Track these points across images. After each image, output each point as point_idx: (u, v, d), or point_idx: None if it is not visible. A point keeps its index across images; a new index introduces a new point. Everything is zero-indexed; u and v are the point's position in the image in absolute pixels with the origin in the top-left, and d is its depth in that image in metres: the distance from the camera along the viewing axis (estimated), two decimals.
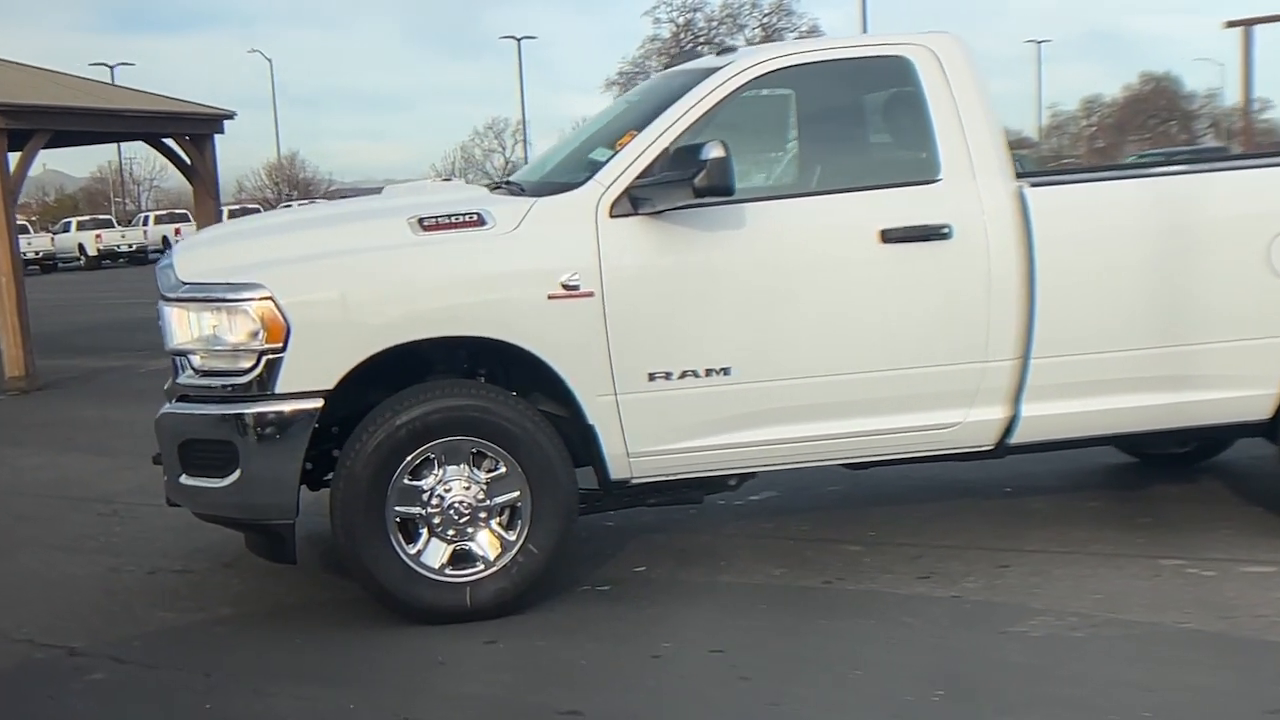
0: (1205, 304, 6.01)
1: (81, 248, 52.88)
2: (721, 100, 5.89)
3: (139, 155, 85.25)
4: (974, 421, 6.00)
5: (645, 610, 5.79)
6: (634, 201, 5.69)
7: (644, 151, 5.78)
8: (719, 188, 5.43)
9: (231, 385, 5.55)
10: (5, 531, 7.88)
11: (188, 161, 16.58)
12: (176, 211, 57.99)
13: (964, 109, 5.95)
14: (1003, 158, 5.97)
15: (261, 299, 5.46)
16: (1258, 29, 34.51)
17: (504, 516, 5.71)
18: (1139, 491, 7.42)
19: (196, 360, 5.65)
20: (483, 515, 5.66)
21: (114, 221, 58.45)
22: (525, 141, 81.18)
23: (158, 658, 5.55)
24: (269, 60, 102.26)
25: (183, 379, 5.71)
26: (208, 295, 5.60)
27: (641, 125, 5.98)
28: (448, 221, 5.72)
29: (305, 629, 5.76)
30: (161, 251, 53.02)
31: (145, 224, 56.29)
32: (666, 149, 5.77)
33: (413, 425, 5.55)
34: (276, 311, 5.45)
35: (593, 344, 5.65)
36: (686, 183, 5.45)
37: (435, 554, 5.66)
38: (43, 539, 7.62)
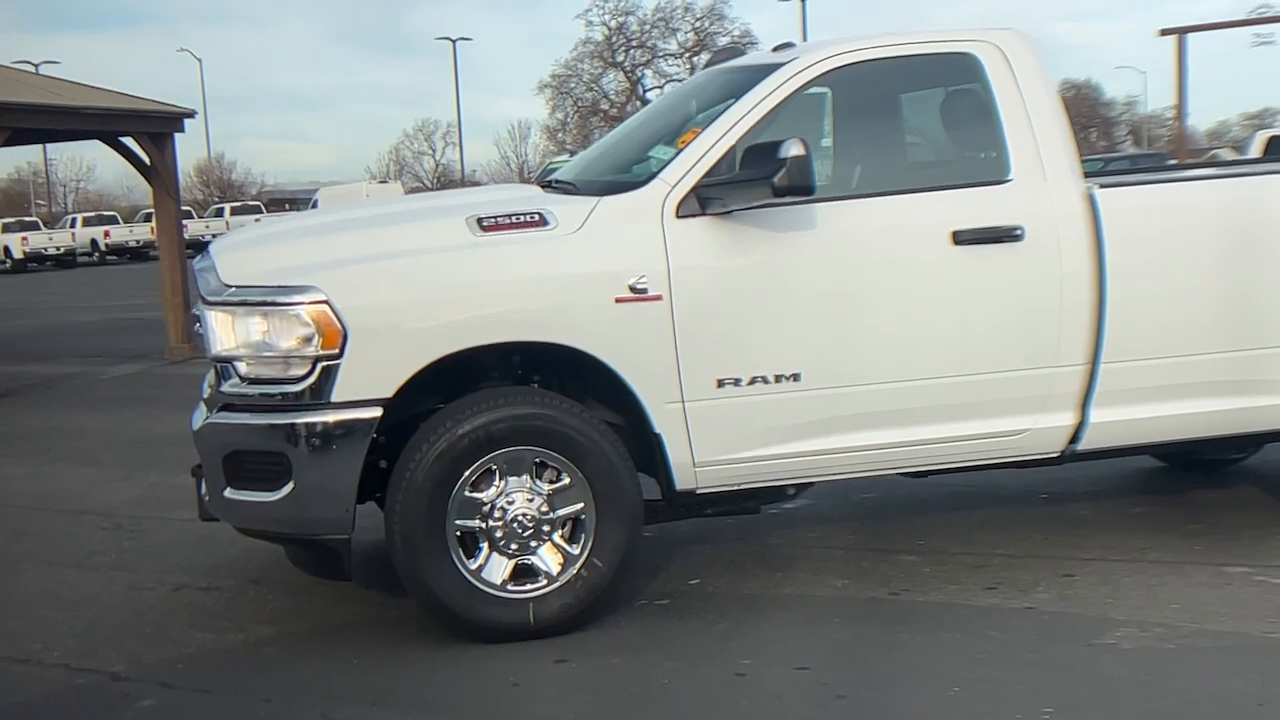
0: (1278, 307, 5.89)
1: (7, 250, 51.84)
2: (788, 96, 5.70)
3: (61, 156, 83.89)
4: (1042, 428, 5.84)
5: (715, 625, 5.57)
6: (702, 201, 5.48)
7: (710, 149, 5.58)
8: (799, 187, 5.22)
9: (283, 393, 5.28)
10: (5, 547, 7.52)
11: (147, 161, 16.14)
12: (105, 214, 57.08)
13: (1033, 107, 5.80)
14: (1073, 158, 5.83)
15: (316, 303, 5.20)
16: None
17: (566, 529, 5.48)
18: (1179, 497, 7.31)
19: (243, 367, 5.37)
20: (546, 528, 5.42)
21: (40, 224, 57.32)
22: (460, 144, 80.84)
23: (208, 681, 5.26)
24: (199, 59, 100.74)
25: (227, 387, 5.42)
26: (257, 299, 5.33)
27: (704, 122, 5.78)
28: (508, 222, 5.49)
29: (359, 648, 5.48)
30: (90, 254, 52.65)
31: (73, 226, 55.30)
32: (733, 146, 5.58)
33: (476, 435, 5.30)
34: (332, 316, 5.19)
35: (660, 349, 5.43)
36: (765, 182, 5.24)
37: (496, 569, 5.42)
38: (48, 555, 7.27)
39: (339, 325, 5.18)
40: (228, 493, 5.45)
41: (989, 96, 5.81)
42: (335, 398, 5.23)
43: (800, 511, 7.22)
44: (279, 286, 5.28)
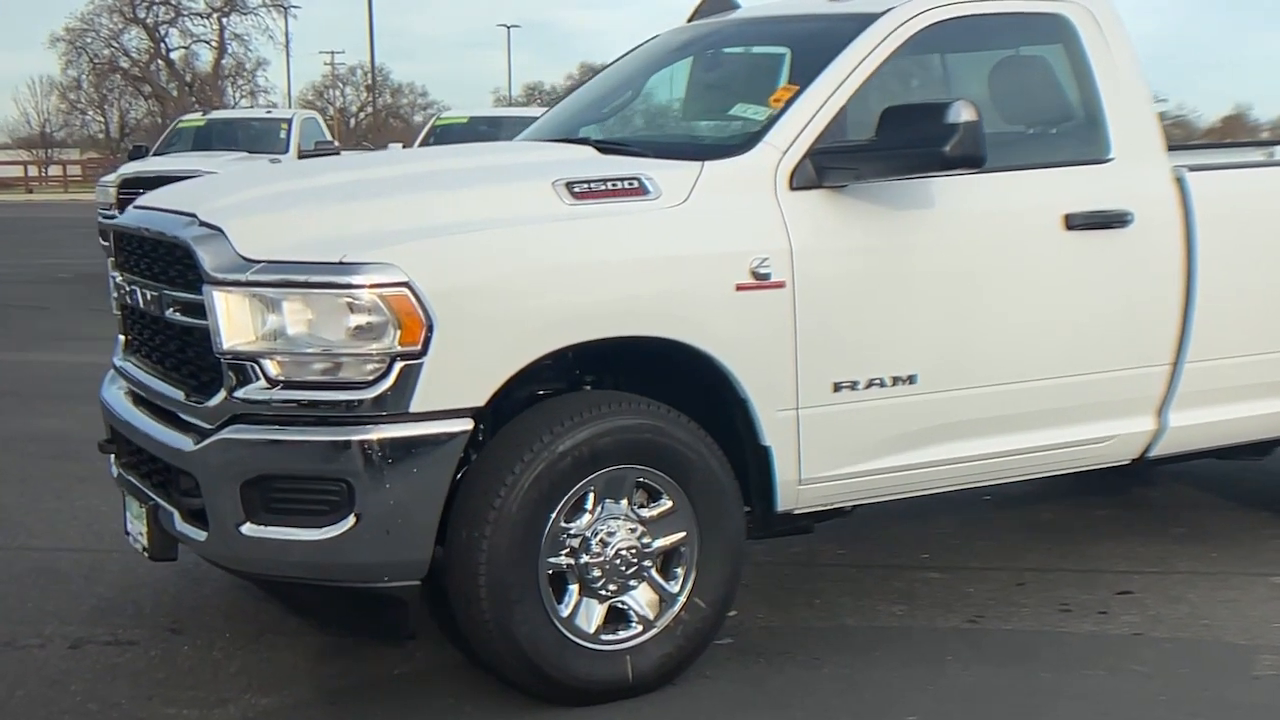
0: None
1: None
2: (893, 52, 4.93)
3: None
4: (1127, 434, 5.34)
5: (818, 671, 4.75)
6: (819, 170, 4.64)
7: (820, 109, 4.74)
8: (973, 158, 4.47)
9: (344, 402, 4.07)
10: None
11: None
12: None
13: (1125, 79, 5.26)
14: (1161, 136, 5.33)
15: (394, 285, 4.03)
16: None
17: (659, 563, 4.52)
18: (1126, 496, 7.00)
19: (271, 368, 4.11)
20: (647, 564, 4.45)
21: None
22: None
23: None
24: None
25: (248, 393, 4.14)
26: (304, 279, 4.10)
27: (774, 77, 4.97)
28: (604, 189, 4.46)
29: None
30: None
31: None
32: (843, 106, 4.77)
33: (579, 452, 4.26)
34: (415, 303, 4.03)
35: (780, 346, 4.56)
36: (933, 152, 4.44)
37: (589, 616, 4.41)
38: None
39: (422, 315, 4.03)
40: (246, 529, 4.17)
41: (1084, 65, 5.23)
42: (415, 407, 4.07)
43: None
44: (340, 264, 4.06)
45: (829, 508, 4.93)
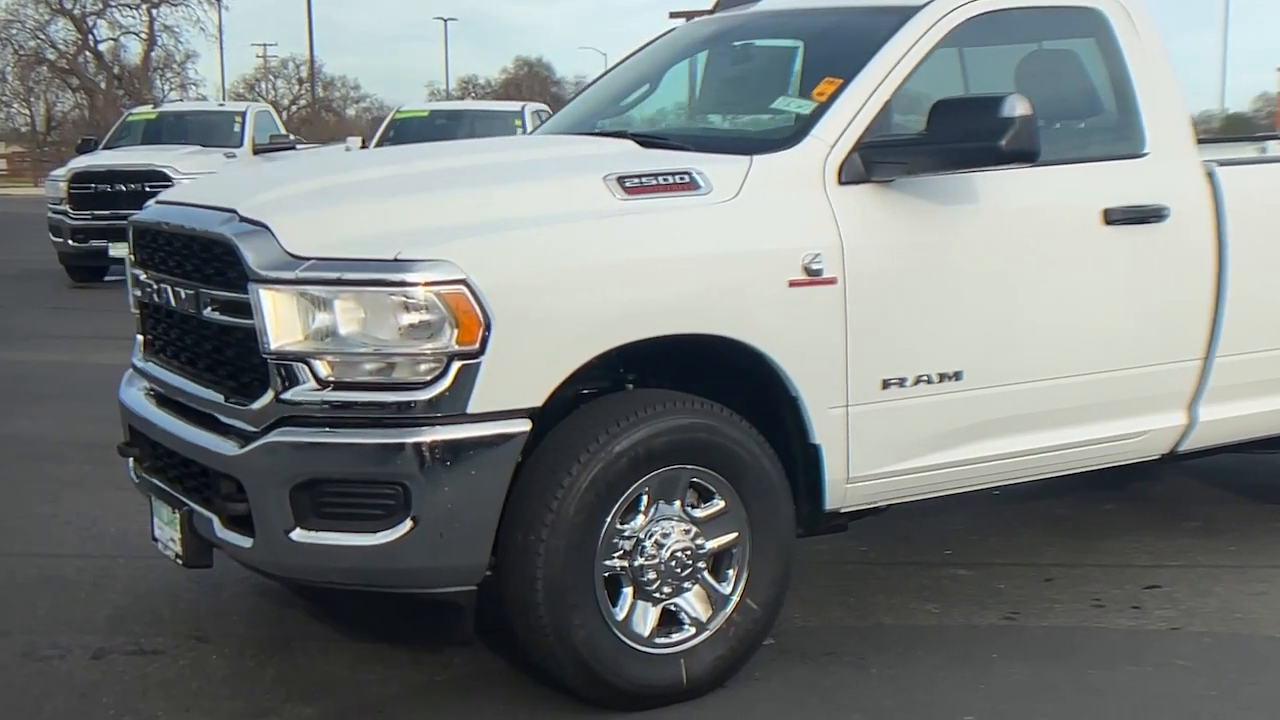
0: None
1: None
2: (936, 44, 4.88)
3: None
4: (1160, 429, 5.33)
5: (867, 671, 4.69)
6: (868, 164, 4.58)
7: (866, 102, 4.68)
8: (1027, 152, 4.43)
9: (399, 403, 3.96)
10: None
11: None
12: None
13: (1157, 73, 5.24)
14: (1191, 131, 5.33)
15: (450, 283, 3.92)
16: None
17: (710, 565, 4.45)
18: (1127, 489, 6.97)
19: (322, 369, 4.00)
20: (701, 565, 4.37)
21: None
22: None
23: None
24: None
25: (297, 394, 4.02)
26: (356, 276, 3.98)
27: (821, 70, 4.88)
28: (655, 183, 4.38)
29: None
30: None
31: None
32: (888, 100, 4.71)
33: (635, 453, 4.18)
34: (472, 301, 3.92)
35: (831, 343, 4.50)
36: (988, 147, 4.39)
37: (643, 619, 4.33)
38: None
39: (480, 313, 3.93)
40: (296, 535, 4.05)
41: (1118, 58, 5.21)
42: (473, 408, 3.97)
43: None
44: (394, 261, 3.95)
45: (871, 506, 4.87)
